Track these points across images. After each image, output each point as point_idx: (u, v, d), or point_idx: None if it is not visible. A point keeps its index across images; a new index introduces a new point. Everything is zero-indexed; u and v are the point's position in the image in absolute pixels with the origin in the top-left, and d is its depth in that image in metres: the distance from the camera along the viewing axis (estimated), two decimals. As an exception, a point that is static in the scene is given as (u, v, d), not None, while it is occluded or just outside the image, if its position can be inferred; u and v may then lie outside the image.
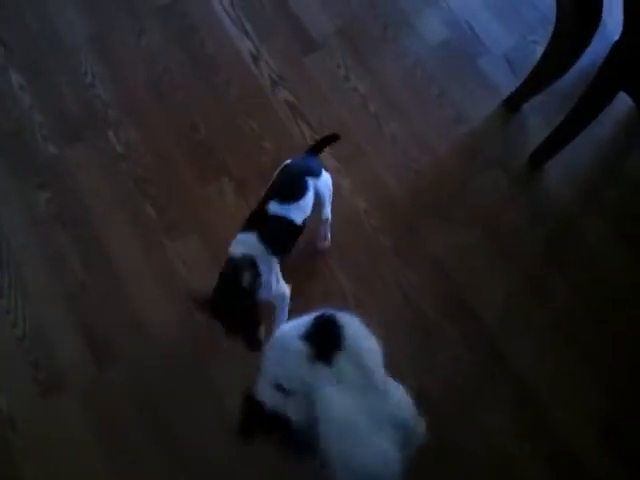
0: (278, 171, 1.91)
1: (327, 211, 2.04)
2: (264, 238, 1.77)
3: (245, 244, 1.78)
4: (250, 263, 1.73)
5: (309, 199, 1.86)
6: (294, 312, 1.81)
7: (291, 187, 1.84)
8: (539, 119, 2.53)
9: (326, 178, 1.96)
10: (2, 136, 2.39)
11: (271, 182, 1.89)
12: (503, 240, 2.33)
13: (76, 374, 1.99)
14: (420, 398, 1.96)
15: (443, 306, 2.18)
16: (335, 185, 2.34)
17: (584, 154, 2.47)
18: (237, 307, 1.71)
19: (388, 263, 2.25)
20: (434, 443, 1.61)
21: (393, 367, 1.87)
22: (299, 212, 1.83)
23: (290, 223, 1.81)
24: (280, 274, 1.87)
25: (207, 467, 1.90)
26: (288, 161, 1.92)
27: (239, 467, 1.87)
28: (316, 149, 1.99)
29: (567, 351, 2.14)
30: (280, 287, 1.87)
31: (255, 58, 2.59)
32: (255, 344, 1.76)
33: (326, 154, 2.41)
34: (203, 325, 2.06)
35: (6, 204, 2.25)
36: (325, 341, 1.49)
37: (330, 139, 2.00)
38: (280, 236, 1.82)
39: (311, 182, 1.86)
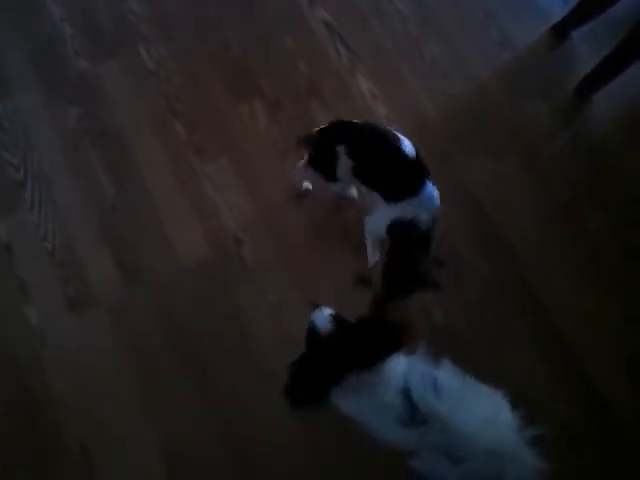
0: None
1: None
2: None
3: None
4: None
5: None
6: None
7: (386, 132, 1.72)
8: (589, 48, 2.31)
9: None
10: (34, 49, 2.22)
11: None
12: (542, 173, 2.16)
13: (105, 292, 1.90)
14: (448, 333, 1.91)
15: (475, 238, 2.04)
16: (370, 111, 2.20)
17: (635, 87, 2.24)
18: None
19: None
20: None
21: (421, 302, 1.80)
22: None
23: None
24: None
25: (234, 391, 1.82)
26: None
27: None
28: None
29: (600, 291, 2.01)
30: None
31: (292, -26, 2.37)
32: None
33: (361, 77, 2.25)
34: (232, 248, 1.97)
35: (37, 119, 2.12)
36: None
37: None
38: None
39: None
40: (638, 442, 1.84)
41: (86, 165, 2.06)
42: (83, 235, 1.97)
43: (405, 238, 1.69)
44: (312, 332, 1.41)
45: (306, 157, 1.81)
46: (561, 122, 2.24)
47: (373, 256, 1.92)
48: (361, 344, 1.37)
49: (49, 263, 1.93)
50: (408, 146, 1.66)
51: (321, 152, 1.74)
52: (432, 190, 1.70)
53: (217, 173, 2.08)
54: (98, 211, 2.01)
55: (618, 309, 1.99)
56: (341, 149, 1.67)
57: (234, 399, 1.81)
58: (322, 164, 1.78)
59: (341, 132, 1.70)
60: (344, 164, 1.70)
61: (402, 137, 1.67)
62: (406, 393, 1.36)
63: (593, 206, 2.12)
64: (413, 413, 1.35)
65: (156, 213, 2.01)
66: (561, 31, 2.35)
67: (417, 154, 1.68)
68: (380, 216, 1.78)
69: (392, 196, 1.72)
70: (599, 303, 1.99)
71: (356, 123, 1.70)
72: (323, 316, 1.41)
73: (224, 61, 2.25)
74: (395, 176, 1.68)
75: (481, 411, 1.36)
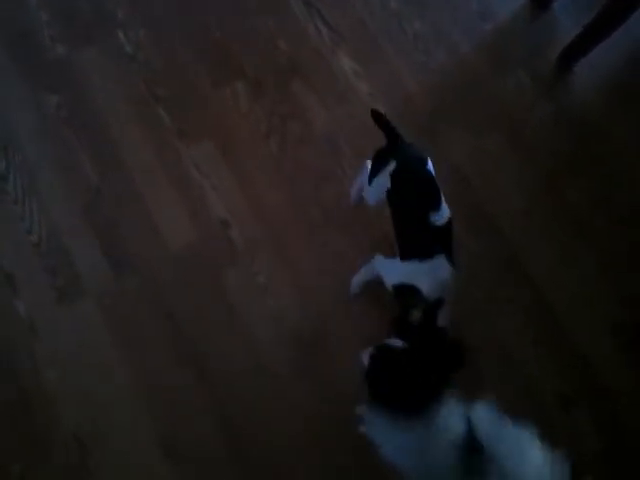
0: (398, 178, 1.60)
1: None
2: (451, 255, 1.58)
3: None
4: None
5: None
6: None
7: (433, 192, 1.58)
8: (569, 18, 2.30)
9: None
10: (9, 37, 2.16)
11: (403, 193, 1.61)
12: (525, 146, 2.17)
13: (93, 281, 1.88)
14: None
15: (460, 214, 2.02)
16: (353, 89, 2.18)
17: (617, 56, 2.24)
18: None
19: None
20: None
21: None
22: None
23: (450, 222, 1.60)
24: None
25: (228, 375, 1.82)
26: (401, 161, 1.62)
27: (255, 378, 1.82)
28: (388, 132, 1.68)
29: (585, 259, 2.03)
30: None
31: (270, -49, 2.32)
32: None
33: (343, 56, 2.22)
34: (219, 231, 1.95)
35: (16, 108, 2.06)
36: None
37: (380, 120, 1.69)
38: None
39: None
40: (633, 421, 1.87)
41: (69, 154, 2.02)
42: (69, 225, 1.94)
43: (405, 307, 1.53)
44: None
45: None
46: (543, 93, 2.24)
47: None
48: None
49: (36, 255, 1.90)
50: (444, 210, 1.57)
51: (378, 154, 1.68)
52: (444, 263, 1.55)
53: (202, 156, 2.05)
54: (83, 200, 1.97)
55: (605, 280, 2.01)
56: (392, 165, 1.59)
57: (230, 381, 1.80)
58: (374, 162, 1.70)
59: (403, 151, 1.62)
60: (384, 179, 1.62)
61: (444, 204, 1.57)
62: (469, 440, 1.26)
63: (576, 175, 2.13)
64: (473, 462, 1.25)
65: (142, 199, 1.98)
66: (542, 1, 2.33)
67: (450, 226, 1.58)
68: (390, 267, 1.67)
69: (404, 250, 1.61)
70: (585, 274, 2.01)
71: (417, 154, 1.62)
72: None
73: (204, 43, 2.21)
74: (417, 233, 1.57)
75: (534, 460, 1.27)
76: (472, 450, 1.24)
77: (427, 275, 1.52)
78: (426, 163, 1.61)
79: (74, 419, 1.74)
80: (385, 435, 1.36)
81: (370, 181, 1.70)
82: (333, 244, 1.97)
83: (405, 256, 1.59)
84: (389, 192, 1.62)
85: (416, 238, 1.58)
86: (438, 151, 2.10)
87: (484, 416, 1.30)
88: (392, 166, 1.58)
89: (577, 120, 2.22)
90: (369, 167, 1.73)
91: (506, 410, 1.33)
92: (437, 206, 1.55)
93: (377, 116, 1.68)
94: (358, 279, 1.87)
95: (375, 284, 1.74)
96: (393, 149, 1.64)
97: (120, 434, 1.73)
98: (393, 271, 1.63)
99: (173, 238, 1.94)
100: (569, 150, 2.17)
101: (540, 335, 1.92)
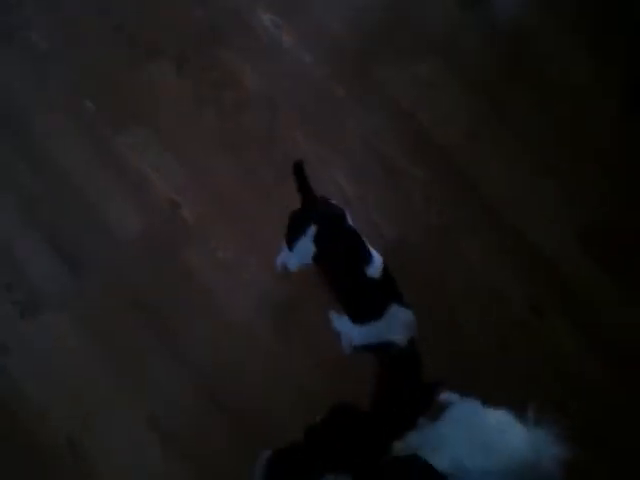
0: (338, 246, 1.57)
1: None
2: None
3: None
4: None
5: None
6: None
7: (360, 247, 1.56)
8: None
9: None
10: None
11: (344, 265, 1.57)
12: (459, 66, 2.13)
13: (52, 288, 1.81)
14: (401, 245, 1.90)
15: (408, 146, 2.01)
16: (278, 43, 2.12)
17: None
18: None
19: (346, 113, 2.05)
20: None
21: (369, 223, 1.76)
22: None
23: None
24: None
25: (206, 356, 1.78)
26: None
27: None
28: (305, 191, 1.58)
29: (534, 169, 2.02)
30: None
31: None
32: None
33: (262, 11, 2.15)
34: (170, 213, 1.90)
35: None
36: None
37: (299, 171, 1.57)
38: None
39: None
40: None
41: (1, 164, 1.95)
42: (13, 237, 1.86)
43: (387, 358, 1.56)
44: None
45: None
46: (470, 9, 2.19)
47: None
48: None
49: (-11, 273, 1.84)
50: (376, 259, 1.54)
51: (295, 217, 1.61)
52: (399, 310, 1.54)
53: (136, 142, 1.97)
54: (25, 208, 1.89)
55: (555, 182, 2.00)
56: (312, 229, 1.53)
57: (210, 358, 1.77)
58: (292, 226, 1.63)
59: (320, 212, 1.57)
60: (307, 245, 1.56)
61: (373, 253, 1.55)
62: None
63: (513, 85, 2.11)
64: None
65: (83, 196, 1.91)
66: None
67: (386, 271, 1.55)
68: (348, 327, 1.63)
69: (354, 312, 1.59)
70: (535, 182, 2.00)
71: (335, 212, 1.57)
72: None
73: (114, 25, 2.11)
74: (360, 292, 1.55)
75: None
76: None
77: (390, 328, 1.52)
78: (345, 219, 1.57)
79: (65, 423, 1.69)
80: None
81: (290, 247, 1.63)
82: (294, 202, 1.92)
83: (358, 318, 1.57)
84: (316, 258, 1.58)
85: (362, 298, 1.56)
86: (377, 89, 2.08)
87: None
88: (313, 230, 1.53)
89: (505, 35, 2.19)
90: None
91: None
92: (369, 259, 1.52)
93: (299, 168, 1.55)
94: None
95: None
96: (309, 211, 1.57)
97: (112, 427, 1.70)
98: (356, 332, 1.60)
99: (124, 229, 1.88)
100: (502, 65, 2.15)
101: (505, 251, 1.92)
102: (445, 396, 1.46)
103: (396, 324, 1.53)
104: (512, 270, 1.89)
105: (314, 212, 1.57)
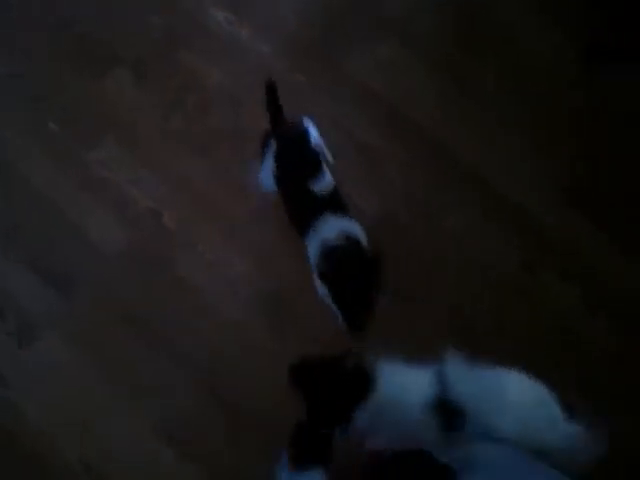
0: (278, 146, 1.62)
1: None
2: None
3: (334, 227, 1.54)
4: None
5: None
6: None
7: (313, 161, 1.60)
8: None
9: (315, 134, 1.69)
10: None
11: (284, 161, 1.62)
12: (419, 42, 2.13)
13: (43, 312, 1.79)
14: (386, 220, 1.90)
15: (380, 126, 2.01)
16: (235, 39, 2.11)
17: None
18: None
19: (313, 101, 2.03)
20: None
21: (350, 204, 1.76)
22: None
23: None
24: None
25: (204, 357, 1.77)
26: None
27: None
28: (273, 110, 1.65)
29: (509, 135, 2.02)
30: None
31: None
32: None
33: (214, 9, 2.13)
34: (152, 222, 1.89)
35: None
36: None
37: (270, 91, 1.63)
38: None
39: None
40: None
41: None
42: (1, 268, 1.85)
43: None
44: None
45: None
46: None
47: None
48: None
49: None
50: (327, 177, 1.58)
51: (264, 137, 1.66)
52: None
53: (107, 156, 1.95)
54: (5, 237, 1.88)
55: (531, 149, 2.01)
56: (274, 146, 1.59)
57: (212, 360, 1.76)
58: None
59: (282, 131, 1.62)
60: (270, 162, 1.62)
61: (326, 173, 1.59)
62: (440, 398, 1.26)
63: (475, 56, 2.11)
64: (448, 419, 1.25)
65: (62, 217, 1.89)
66: None
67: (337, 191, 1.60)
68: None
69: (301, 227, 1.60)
70: (511, 147, 2.01)
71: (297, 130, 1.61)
72: None
73: (69, 38, 2.10)
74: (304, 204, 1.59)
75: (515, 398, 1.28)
76: (445, 408, 1.25)
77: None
78: (306, 138, 1.60)
79: (75, 446, 1.68)
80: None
81: (262, 164, 1.67)
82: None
83: (302, 232, 1.59)
84: (277, 177, 1.62)
85: (304, 209, 1.59)
86: (344, 76, 2.07)
87: (453, 369, 1.30)
88: (274, 147, 1.58)
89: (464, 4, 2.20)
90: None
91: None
92: (319, 175, 1.56)
93: (270, 88, 1.61)
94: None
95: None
96: (274, 129, 1.62)
97: (122, 442, 1.69)
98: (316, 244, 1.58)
99: (108, 243, 1.86)
100: (459, 35, 2.15)
101: (490, 217, 1.92)
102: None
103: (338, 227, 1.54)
104: (499, 232, 1.90)
105: (278, 130, 1.62)
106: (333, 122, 1.99)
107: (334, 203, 1.58)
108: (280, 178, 1.63)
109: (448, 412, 1.25)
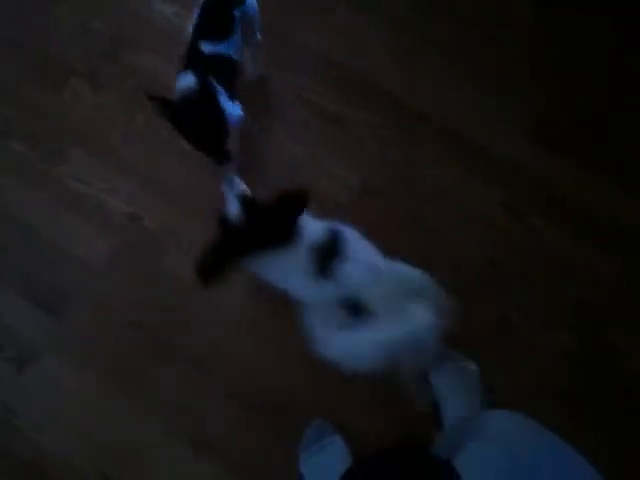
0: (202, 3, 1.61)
1: (258, 33, 1.82)
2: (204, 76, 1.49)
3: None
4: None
5: (238, 32, 1.62)
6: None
7: (221, 25, 1.59)
8: None
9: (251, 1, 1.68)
10: None
11: (198, 16, 1.61)
12: (370, 8, 2.11)
13: (40, 334, 1.78)
14: (367, 191, 1.89)
15: (345, 94, 1.99)
16: (184, 31, 2.07)
17: None
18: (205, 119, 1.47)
19: (273, 80, 2.02)
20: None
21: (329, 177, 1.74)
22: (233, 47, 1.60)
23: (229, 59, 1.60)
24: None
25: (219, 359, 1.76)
26: None
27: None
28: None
29: (474, 84, 2.01)
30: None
31: None
32: (223, 156, 1.53)
33: (158, 3, 2.09)
34: (133, 228, 1.86)
35: None
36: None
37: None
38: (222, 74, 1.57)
39: (238, 13, 1.60)
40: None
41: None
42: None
43: None
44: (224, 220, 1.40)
45: None
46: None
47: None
48: (271, 222, 1.33)
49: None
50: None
51: None
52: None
53: (76, 168, 1.92)
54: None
55: (495, 92, 2.00)
56: None
57: (223, 359, 1.75)
58: None
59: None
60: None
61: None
62: (315, 249, 1.32)
63: (438, 14, 2.11)
64: (321, 267, 1.31)
65: (46, 238, 1.86)
66: None
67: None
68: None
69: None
70: (477, 96, 2.00)
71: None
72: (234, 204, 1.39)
73: (21, 56, 2.06)
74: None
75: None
76: (327, 253, 1.31)
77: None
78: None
79: (93, 462, 1.68)
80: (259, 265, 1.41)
81: None
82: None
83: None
84: None
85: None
86: (302, 49, 2.05)
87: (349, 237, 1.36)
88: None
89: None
90: None
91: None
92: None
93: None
94: None
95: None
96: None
97: (139, 451, 1.69)
98: None
99: (94, 256, 1.84)
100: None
101: (468, 169, 1.92)
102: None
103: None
104: (480, 182, 1.90)
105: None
106: (297, 96, 1.99)
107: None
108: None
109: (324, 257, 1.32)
